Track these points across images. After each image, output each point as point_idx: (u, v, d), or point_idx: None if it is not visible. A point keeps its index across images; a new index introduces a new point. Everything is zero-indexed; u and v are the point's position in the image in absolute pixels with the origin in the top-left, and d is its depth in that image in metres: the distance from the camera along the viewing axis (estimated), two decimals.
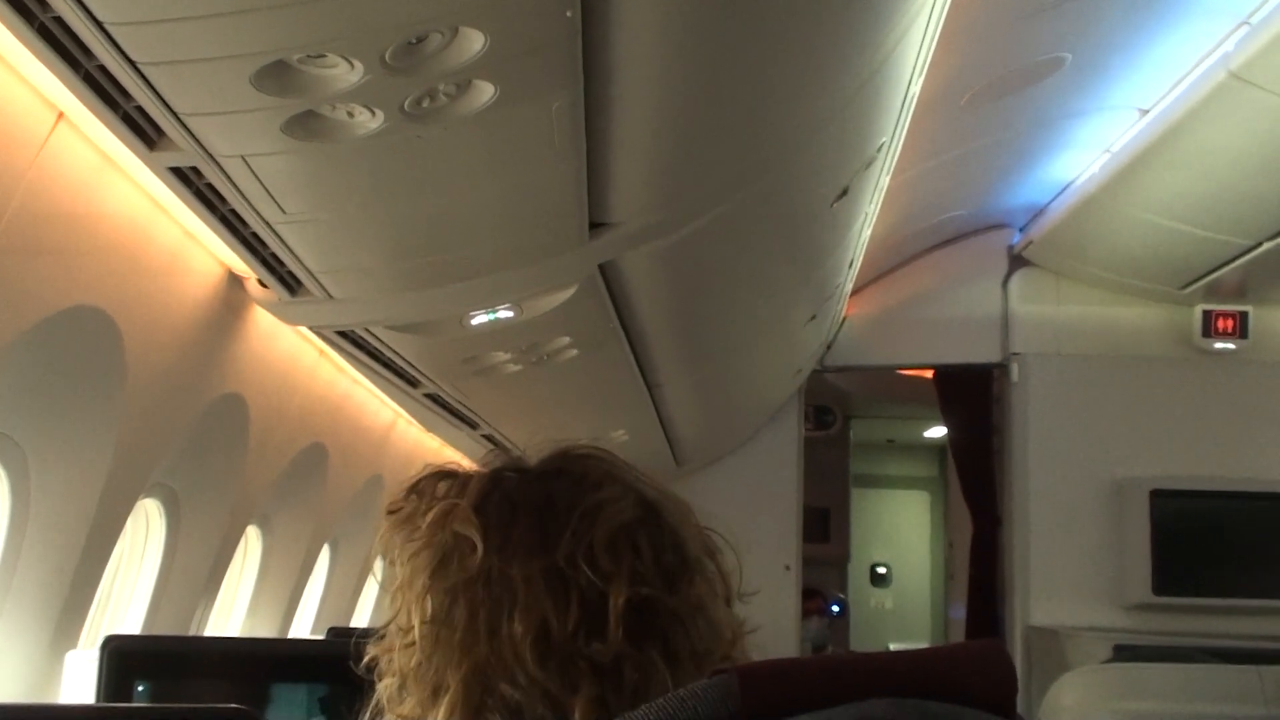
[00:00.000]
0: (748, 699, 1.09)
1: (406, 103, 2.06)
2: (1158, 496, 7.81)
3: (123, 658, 2.38)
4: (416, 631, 1.27)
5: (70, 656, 2.96)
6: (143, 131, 2.10)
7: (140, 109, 2.01)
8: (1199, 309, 7.83)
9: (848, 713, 1.07)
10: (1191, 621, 7.54)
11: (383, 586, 1.34)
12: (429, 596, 1.28)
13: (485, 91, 2.10)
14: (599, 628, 1.23)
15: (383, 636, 1.32)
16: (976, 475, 8.68)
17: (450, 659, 1.25)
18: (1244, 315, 7.82)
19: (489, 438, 5.56)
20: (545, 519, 1.29)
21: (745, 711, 1.08)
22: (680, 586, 1.29)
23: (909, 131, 4.72)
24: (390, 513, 1.35)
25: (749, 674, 1.11)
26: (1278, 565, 7.78)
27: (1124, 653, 5.63)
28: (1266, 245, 6.43)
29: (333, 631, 4.20)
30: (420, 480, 1.35)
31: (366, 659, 1.33)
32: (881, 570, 12.96)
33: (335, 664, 2.71)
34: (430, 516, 1.31)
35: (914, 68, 3.99)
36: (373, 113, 2.08)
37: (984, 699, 1.12)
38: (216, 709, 0.81)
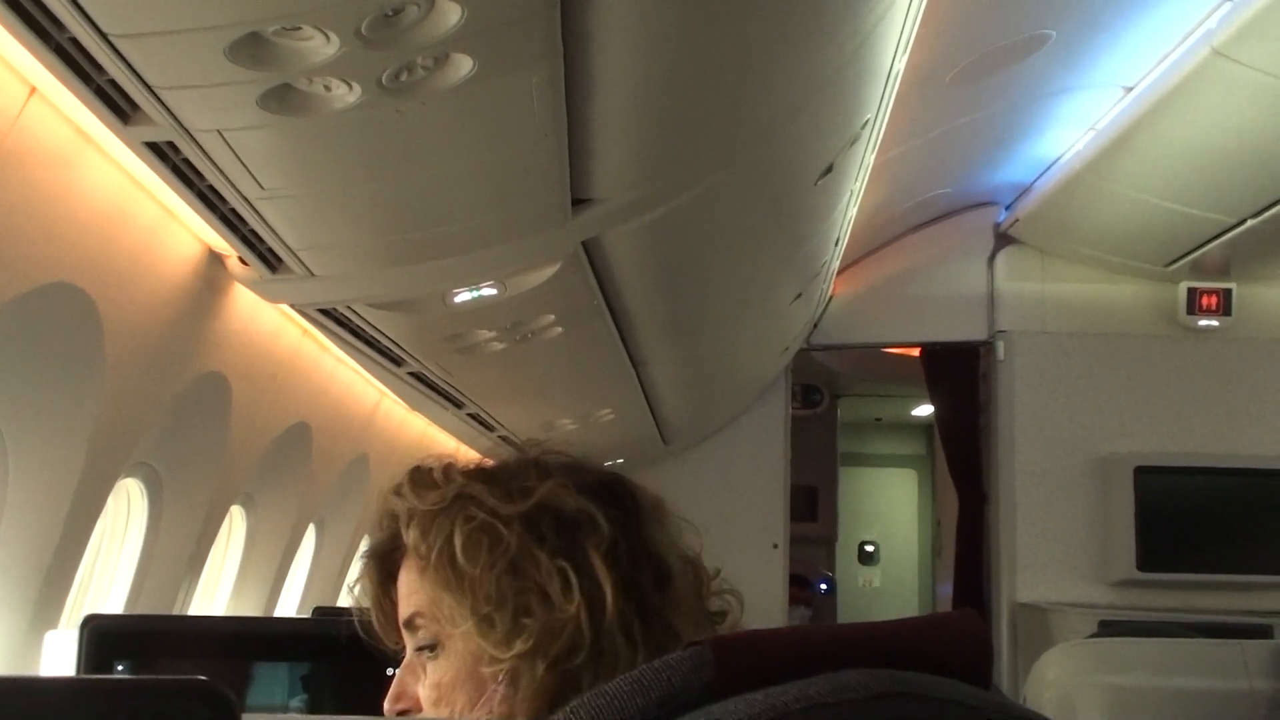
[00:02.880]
0: (721, 670, 1.08)
1: (384, 76, 2.04)
2: (1142, 473, 7.84)
3: (102, 637, 2.36)
4: (558, 599, 1.27)
5: (49, 636, 2.95)
6: (117, 106, 2.08)
7: (113, 82, 1.99)
8: (1183, 286, 7.85)
9: (823, 684, 1.06)
10: (1176, 597, 7.58)
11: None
12: (561, 567, 1.28)
13: (463, 65, 2.08)
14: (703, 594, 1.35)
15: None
16: (963, 453, 8.70)
17: (613, 633, 1.27)
18: (1228, 292, 7.85)
19: (474, 416, 5.56)
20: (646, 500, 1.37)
21: (719, 682, 1.07)
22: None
23: (894, 109, 4.71)
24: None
25: (723, 645, 1.11)
26: (1261, 541, 7.82)
27: (1109, 628, 5.65)
28: (1250, 222, 6.44)
29: (318, 611, 4.19)
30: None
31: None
32: (869, 548, 13.00)
33: (318, 643, 2.71)
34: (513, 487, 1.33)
35: (897, 44, 3.97)
36: (350, 86, 2.06)
37: (958, 668, 1.12)
38: (178, 680, 0.80)
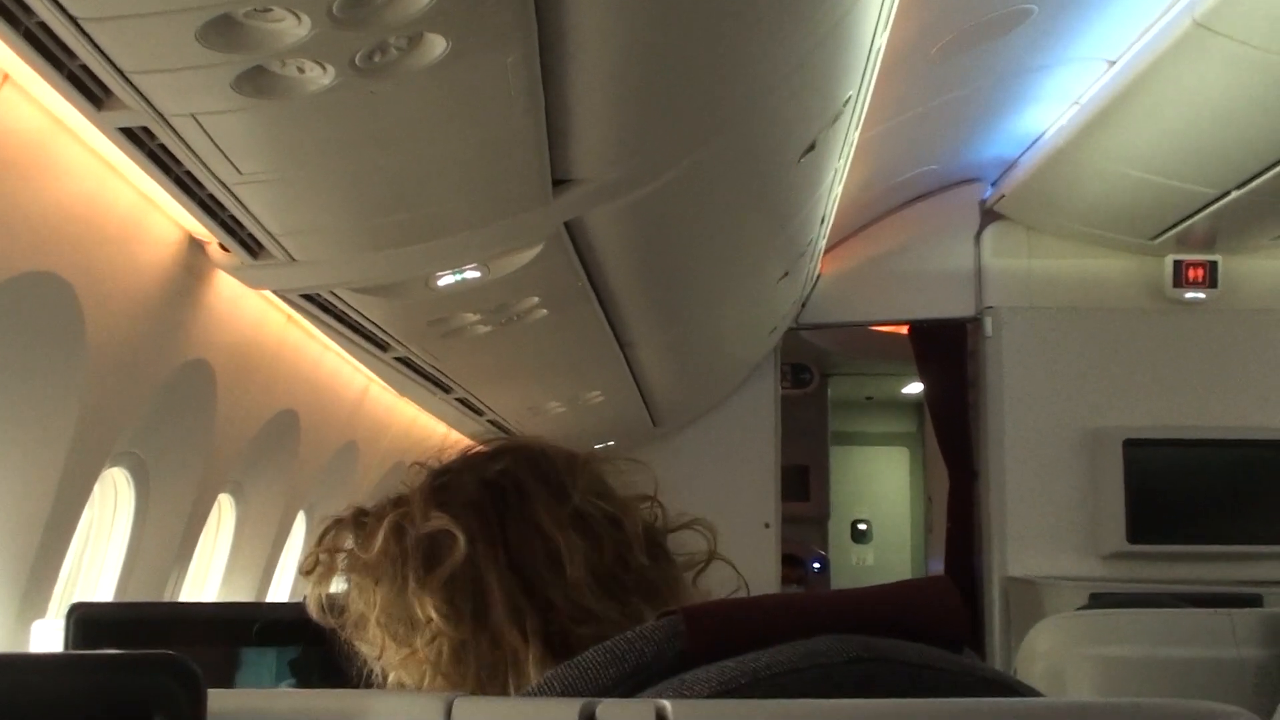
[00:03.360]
0: (694, 639, 1.09)
1: (357, 57, 2.03)
2: (1131, 446, 7.87)
3: (88, 625, 2.36)
4: (437, 624, 1.29)
5: (37, 625, 2.95)
6: (90, 91, 2.07)
7: (85, 68, 1.99)
8: (1169, 259, 7.86)
9: (793, 650, 1.07)
10: (1166, 569, 7.61)
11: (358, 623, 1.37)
12: (425, 595, 1.30)
13: (437, 45, 2.08)
14: (628, 555, 1.31)
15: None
16: (952, 429, 8.72)
17: (505, 631, 1.27)
18: (1213, 265, 7.86)
19: (463, 401, 5.56)
20: (544, 475, 1.35)
21: (693, 651, 1.08)
22: (651, 509, 1.38)
23: (877, 86, 4.70)
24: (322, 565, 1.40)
25: (696, 614, 1.12)
26: (1251, 511, 7.85)
27: (1100, 601, 5.67)
28: (1235, 194, 6.45)
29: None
30: (327, 530, 1.40)
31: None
32: (862, 526, 13.03)
33: (306, 627, 2.70)
34: (381, 538, 1.35)
35: (879, 19, 3.97)
36: (323, 68, 2.05)
37: (931, 633, 1.12)
38: (144, 654, 0.80)
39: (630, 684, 1.05)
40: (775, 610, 1.16)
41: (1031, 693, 1.07)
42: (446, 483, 1.38)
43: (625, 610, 1.26)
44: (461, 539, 1.29)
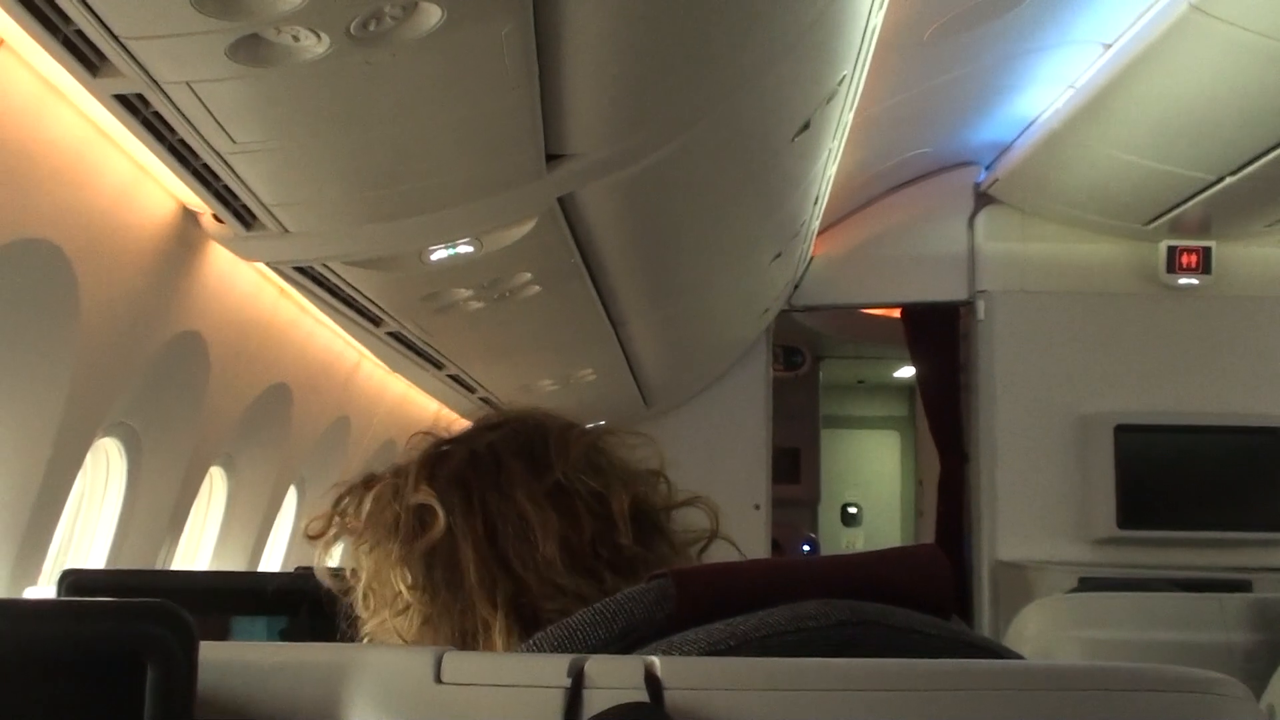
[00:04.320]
0: (683, 602, 1.09)
1: (352, 25, 2.03)
2: (1122, 431, 7.88)
3: (80, 591, 2.37)
4: (406, 597, 1.31)
5: (29, 592, 2.96)
6: (85, 57, 2.07)
7: (81, 33, 1.98)
8: (1163, 245, 7.86)
9: (782, 613, 1.08)
10: (1156, 554, 7.63)
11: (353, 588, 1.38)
12: (404, 566, 1.32)
13: (432, 14, 2.08)
14: (610, 533, 1.30)
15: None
16: (944, 413, 8.72)
17: (477, 601, 1.28)
18: (1207, 251, 7.86)
19: (455, 378, 5.56)
20: (530, 449, 1.34)
21: (681, 613, 1.09)
22: (655, 484, 1.37)
23: (872, 67, 4.70)
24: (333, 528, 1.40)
25: (685, 577, 1.12)
26: (1241, 498, 7.87)
27: (1088, 585, 5.69)
28: (1229, 179, 6.45)
29: (301, 572, 4.20)
30: (342, 495, 1.41)
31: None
32: (852, 510, 13.04)
33: (296, 596, 2.72)
34: (370, 507, 1.37)
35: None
36: (318, 36, 2.05)
37: (919, 600, 1.13)
38: (137, 602, 0.81)
39: (619, 645, 1.06)
40: (764, 574, 1.16)
41: (1017, 658, 1.08)
42: (443, 454, 1.39)
43: (602, 588, 1.26)
44: (441, 514, 1.31)
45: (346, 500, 1.39)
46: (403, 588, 1.31)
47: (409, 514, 1.33)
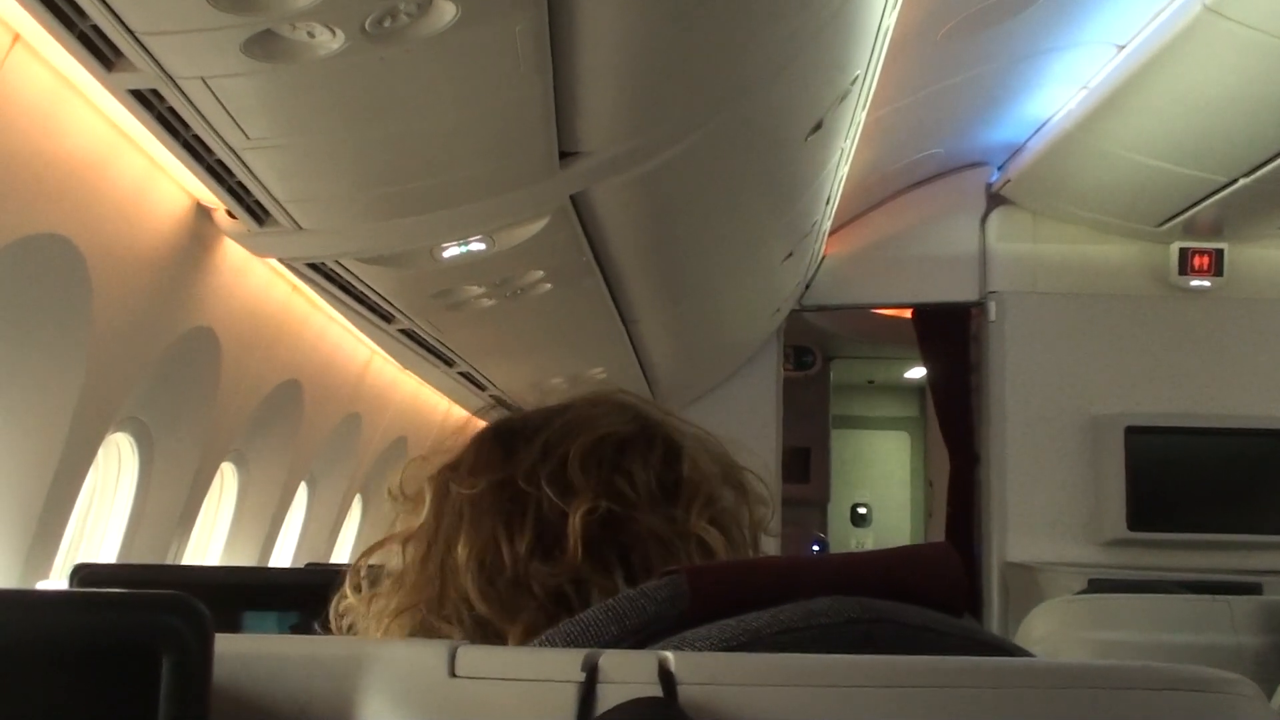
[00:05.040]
0: (697, 598, 1.09)
1: (367, 22, 2.04)
2: (1133, 433, 7.86)
3: (91, 585, 2.38)
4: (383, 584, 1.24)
5: (40, 586, 2.97)
6: (100, 52, 2.08)
7: (96, 28, 1.99)
8: (1175, 247, 7.85)
9: (794, 610, 1.07)
10: (1165, 556, 7.61)
11: None
12: (403, 548, 1.25)
13: (446, 11, 2.08)
14: (555, 547, 1.17)
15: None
16: (954, 413, 8.72)
17: (401, 603, 1.21)
18: (1219, 253, 7.85)
19: (466, 375, 5.57)
20: (511, 437, 1.25)
21: (694, 610, 1.08)
22: (672, 510, 1.22)
23: (885, 67, 4.70)
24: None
25: (698, 574, 1.12)
26: (1252, 500, 7.85)
27: (1098, 586, 5.67)
28: (1242, 182, 6.44)
29: (311, 568, 4.21)
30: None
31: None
32: (862, 510, 13.03)
33: (307, 592, 2.72)
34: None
35: None
36: (333, 33, 2.06)
37: (932, 598, 1.13)
38: (154, 593, 0.81)
39: (632, 641, 1.06)
40: (777, 571, 1.16)
41: (1030, 657, 1.07)
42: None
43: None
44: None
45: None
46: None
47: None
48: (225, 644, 0.85)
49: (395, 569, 1.24)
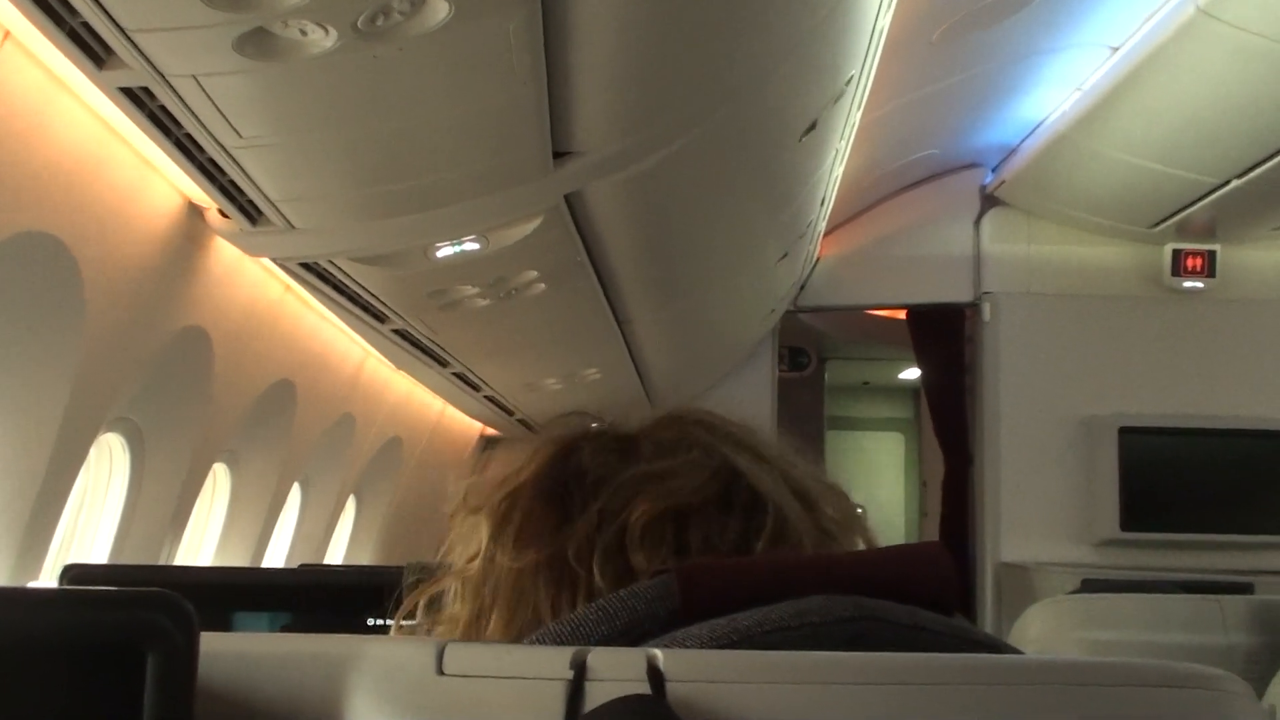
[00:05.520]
0: (687, 597, 1.08)
1: (359, 20, 2.03)
2: (1126, 434, 7.87)
3: (81, 585, 2.37)
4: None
5: (31, 586, 2.96)
6: (91, 49, 2.07)
7: (87, 25, 1.98)
8: (1168, 248, 7.86)
9: (785, 609, 1.07)
10: (1158, 557, 7.62)
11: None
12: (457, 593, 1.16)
13: (439, 9, 2.08)
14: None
15: None
16: (949, 414, 8.72)
17: None
18: (1212, 254, 7.86)
19: (459, 375, 5.56)
20: (566, 498, 1.13)
21: (685, 609, 1.08)
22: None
23: (880, 68, 4.69)
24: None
25: (689, 573, 1.11)
26: (1245, 501, 7.86)
27: (1091, 586, 5.67)
28: (1235, 183, 6.44)
29: (304, 569, 4.20)
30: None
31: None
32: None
33: (299, 593, 2.71)
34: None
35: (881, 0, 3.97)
36: (325, 31, 2.05)
37: (924, 597, 1.12)
38: (139, 591, 0.80)
39: (622, 641, 1.05)
40: (768, 570, 1.15)
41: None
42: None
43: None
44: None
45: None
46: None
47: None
48: (211, 642, 0.84)
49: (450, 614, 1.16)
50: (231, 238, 3.23)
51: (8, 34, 2.21)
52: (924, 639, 1.05)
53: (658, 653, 0.88)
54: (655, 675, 0.85)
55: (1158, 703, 0.84)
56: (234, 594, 2.60)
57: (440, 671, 0.87)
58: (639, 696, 0.84)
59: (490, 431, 7.66)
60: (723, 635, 1.03)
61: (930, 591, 1.13)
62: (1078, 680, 0.85)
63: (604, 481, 1.12)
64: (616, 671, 0.85)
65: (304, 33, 2.05)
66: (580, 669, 0.86)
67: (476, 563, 1.15)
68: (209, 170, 2.68)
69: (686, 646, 1.02)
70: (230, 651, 0.89)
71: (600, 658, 0.87)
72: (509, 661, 0.90)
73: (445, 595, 1.17)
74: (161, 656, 0.79)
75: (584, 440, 1.17)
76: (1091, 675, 0.86)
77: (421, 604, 1.19)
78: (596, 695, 0.84)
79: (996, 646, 1.11)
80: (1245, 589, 5.25)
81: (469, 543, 1.17)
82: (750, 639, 1.03)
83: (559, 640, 1.07)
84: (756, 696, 0.85)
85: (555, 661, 0.87)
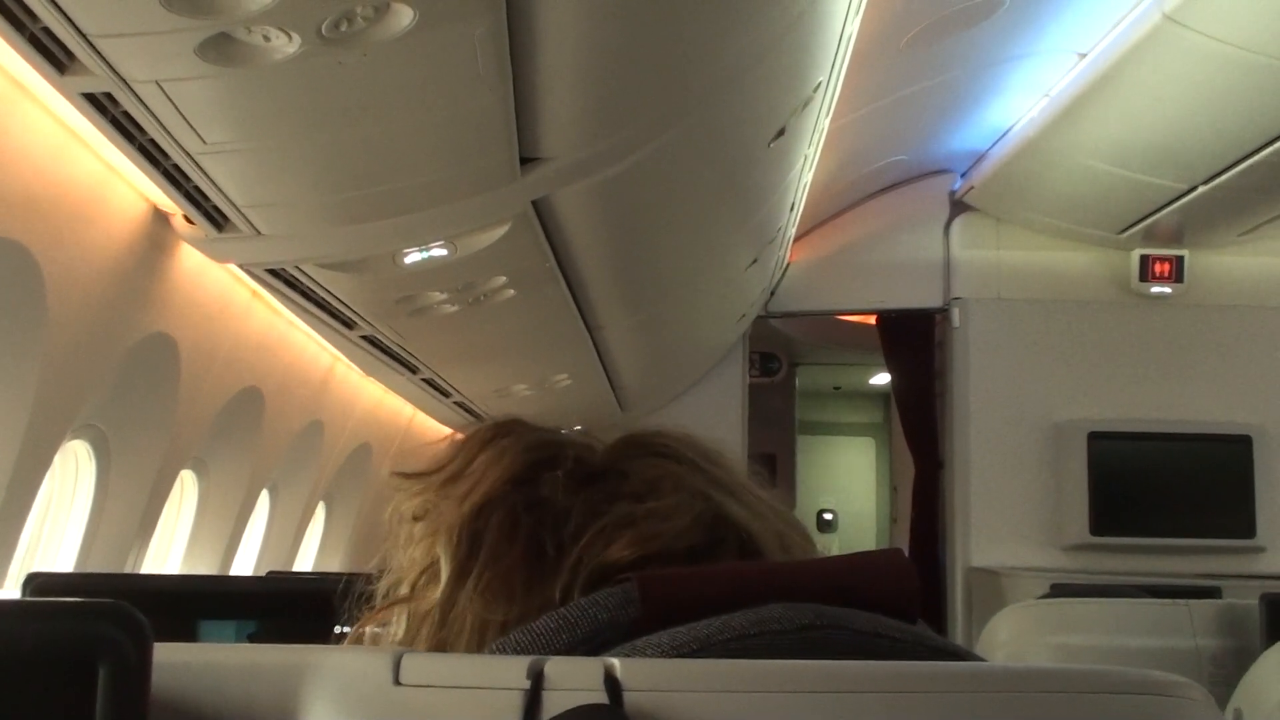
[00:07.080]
0: (648, 605, 1.08)
1: (323, 26, 2.02)
2: (1095, 439, 7.91)
3: (44, 594, 2.35)
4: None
5: None
6: (52, 55, 2.05)
7: (48, 30, 1.97)
8: (1136, 253, 7.91)
9: (746, 617, 1.07)
10: (1127, 561, 7.66)
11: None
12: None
13: (404, 15, 2.07)
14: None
15: None
16: (919, 419, 8.75)
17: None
18: (1180, 260, 7.91)
19: (429, 382, 5.54)
20: (539, 550, 1.10)
21: (646, 618, 1.07)
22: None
23: (849, 74, 4.71)
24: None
25: (649, 581, 1.11)
26: (1212, 505, 7.91)
27: (1060, 591, 5.70)
28: (1202, 189, 6.49)
29: (272, 576, 4.18)
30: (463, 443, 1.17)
31: None
32: (828, 516, 13.05)
33: (265, 600, 2.70)
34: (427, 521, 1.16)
35: (850, 6, 3.97)
36: (289, 36, 2.04)
37: (885, 604, 1.12)
38: (90, 602, 0.80)
39: (584, 649, 1.05)
40: (729, 578, 1.15)
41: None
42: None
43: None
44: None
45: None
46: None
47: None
48: (166, 653, 0.83)
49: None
50: (197, 244, 3.21)
51: None
52: (884, 646, 1.05)
53: (615, 662, 0.88)
54: (613, 684, 0.85)
55: (1115, 709, 0.84)
56: (200, 602, 2.58)
57: (397, 681, 0.86)
58: (596, 706, 0.84)
59: (461, 437, 7.64)
60: (683, 643, 1.03)
61: (892, 599, 1.13)
62: (1035, 687, 0.86)
63: (581, 527, 1.10)
64: (574, 681, 0.85)
65: (267, 38, 2.04)
66: (538, 678, 0.85)
67: (434, 598, 1.12)
68: (173, 176, 2.66)
69: (647, 655, 1.02)
70: (187, 662, 0.88)
71: (558, 667, 0.87)
72: (466, 671, 0.89)
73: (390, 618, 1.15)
74: (113, 668, 0.78)
75: (542, 467, 1.14)
76: (1049, 682, 0.87)
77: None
78: (554, 704, 0.84)
79: (958, 654, 1.11)
80: (1213, 593, 5.29)
81: (417, 563, 1.15)
82: (710, 647, 1.03)
83: (519, 650, 1.06)
84: (714, 705, 0.85)
85: (512, 671, 0.86)
